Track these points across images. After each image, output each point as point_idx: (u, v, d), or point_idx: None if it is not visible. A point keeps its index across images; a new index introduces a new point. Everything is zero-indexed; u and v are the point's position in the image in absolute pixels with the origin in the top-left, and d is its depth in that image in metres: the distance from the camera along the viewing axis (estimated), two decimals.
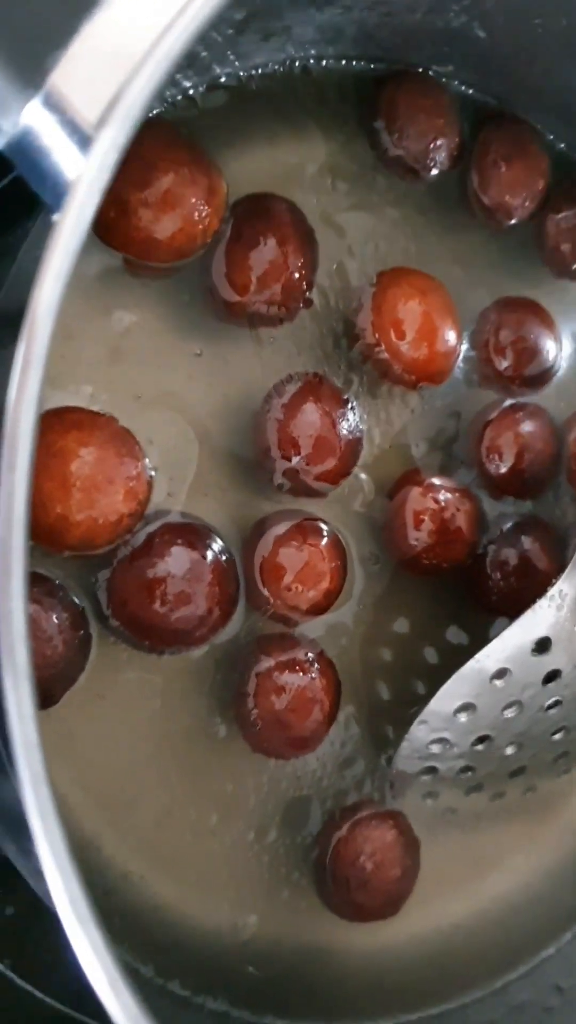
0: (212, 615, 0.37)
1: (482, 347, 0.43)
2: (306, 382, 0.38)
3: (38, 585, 0.35)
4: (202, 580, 0.36)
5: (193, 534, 0.37)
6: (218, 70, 0.37)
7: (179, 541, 0.36)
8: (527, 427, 0.42)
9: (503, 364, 0.42)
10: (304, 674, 0.38)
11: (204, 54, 0.36)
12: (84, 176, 0.21)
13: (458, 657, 0.39)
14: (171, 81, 0.36)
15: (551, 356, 0.43)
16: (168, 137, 0.35)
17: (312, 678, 0.38)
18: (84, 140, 0.22)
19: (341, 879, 0.39)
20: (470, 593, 0.42)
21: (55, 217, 0.22)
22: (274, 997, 0.40)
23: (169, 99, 0.37)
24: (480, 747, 0.40)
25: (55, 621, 0.35)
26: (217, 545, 0.37)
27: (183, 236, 0.35)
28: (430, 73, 0.42)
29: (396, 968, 0.42)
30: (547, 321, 0.43)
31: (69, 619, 0.35)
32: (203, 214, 0.35)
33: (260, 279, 0.37)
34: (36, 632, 0.34)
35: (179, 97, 0.37)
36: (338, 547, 0.39)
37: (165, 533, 0.36)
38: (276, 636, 0.39)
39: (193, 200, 0.35)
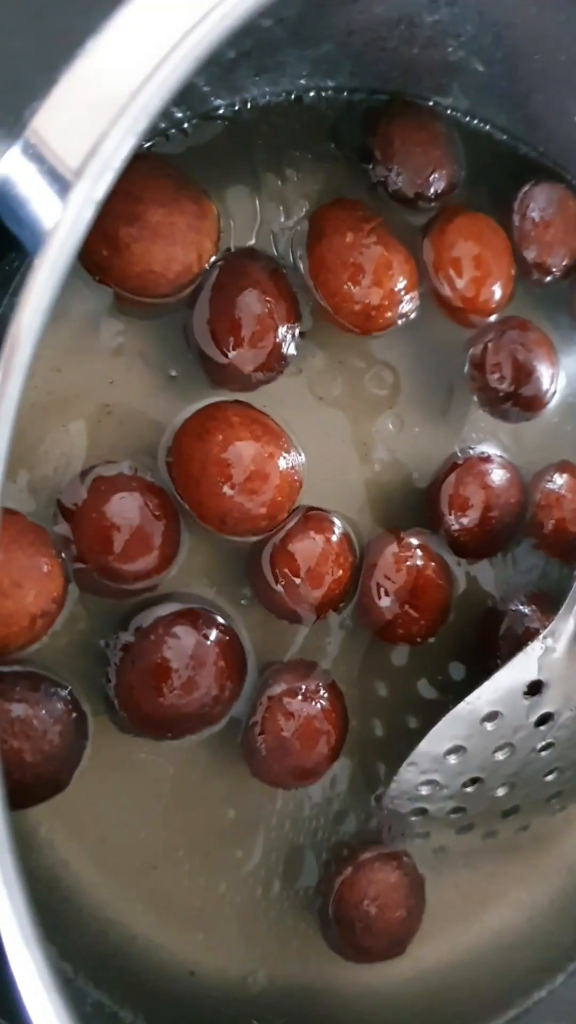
0: (224, 693, 0.36)
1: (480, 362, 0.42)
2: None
3: (20, 683, 0.34)
4: (207, 663, 0.36)
5: (190, 618, 0.36)
6: (212, 102, 0.37)
7: (176, 629, 0.36)
8: (495, 478, 0.41)
9: (500, 380, 0.41)
10: (314, 702, 0.38)
11: (199, 87, 0.35)
12: (58, 229, 0.20)
13: (454, 692, 0.38)
14: (164, 113, 0.35)
15: (547, 379, 0.42)
16: (152, 168, 0.35)
17: (322, 707, 0.38)
18: (64, 189, 0.22)
19: (347, 923, 0.39)
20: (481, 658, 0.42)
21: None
22: None
23: (161, 131, 0.37)
24: (471, 788, 0.40)
25: (45, 715, 0.34)
26: (218, 622, 0.37)
27: (179, 265, 0.35)
28: (430, 104, 0.42)
29: (387, 1010, 0.42)
30: (547, 345, 0.42)
31: (60, 708, 0.35)
32: (195, 240, 0.35)
33: (248, 341, 0.36)
34: (28, 731, 0.33)
35: (171, 130, 0.37)
36: (348, 540, 0.39)
37: (159, 626, 0.36)
38: (290, 664, 0.39)
39: (183, 227, 0.34)
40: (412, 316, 0.40)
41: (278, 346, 0.37)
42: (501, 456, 0.42)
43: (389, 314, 0.39)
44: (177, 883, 0.39)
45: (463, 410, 0.42)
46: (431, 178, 0.40)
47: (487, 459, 0.41)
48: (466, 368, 0.42)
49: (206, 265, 0.36)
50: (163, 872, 0.38)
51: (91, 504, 0.35)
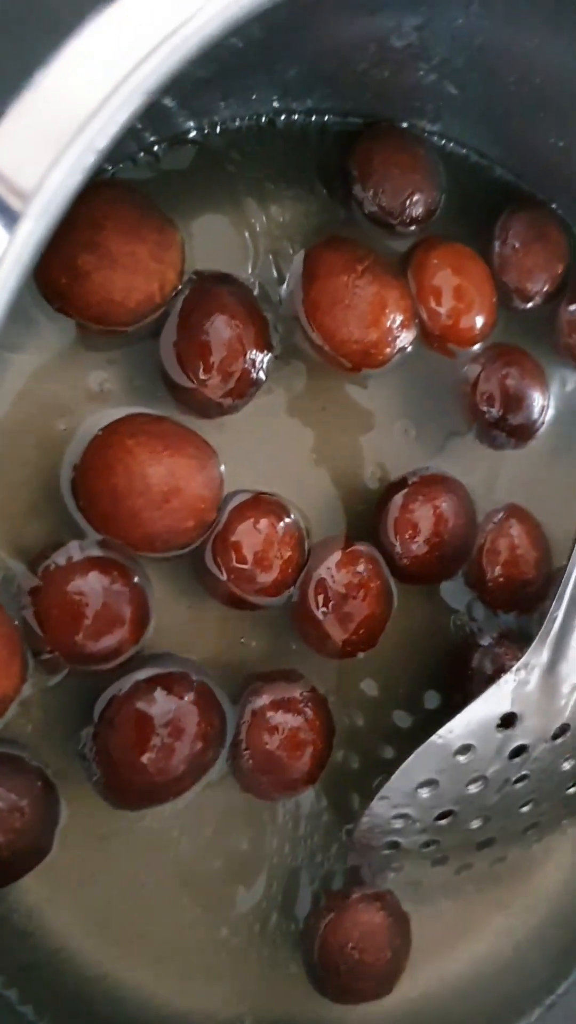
0: (209, 743, 0.36)
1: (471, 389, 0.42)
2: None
3: None
4: (184, 727, 0.35)
5: (169, 684, 0.36)
6: (181, 125, 0.36)
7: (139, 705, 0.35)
8: (443, 501, 0.40)
9: (489, 407, 0.41)
10: (296, 714, 0.37)
11: (166, 107, 0.34)
12: (4, 261, 0.20)
13: (430, 721, 0.38)
14: (131, 135, 0.35)
15: (537, 408, 0.42)
16: (116, 195, 0.34)
17: (305, 717, 0.37)
18: (13, 220, 0.22)
19: (331, 967, 0.39)
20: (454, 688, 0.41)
21: None
22: None
23: (128, 155, 0.36)
24: (444, 822, 0.39)
25: (5, 791, 0.33)
26: (181, 676, 0.36)
27: (139, 294, 0.34)
28: (404, 126, 0.41)
29: None
30: (538, 374, 0.42)
31: (21, 780, 0.34)
32: (158, 269, 0.34)
33: (217, 367, 0.36)
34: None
35: (140, 153, 0.36)
36: (295, 524, 0.38)
37: (120, 706, 0.35)
38: (269, 676, 0.38)
39: (146, 256, 0.34)
40: (408, 350, 0.40)
41: (247, 371, 0.36)
42: (447, 475, 0.41)
43: (388, 350, 0.39)
44: (178, 935, 0.38)
45: (453, 440, 0.42)
46: (409, 201, 0.40)
47: (435, 479, 0.40)
48: (457, 395, 0.42)
49: (170, 294, 0.35)
50: (164, 927, 0.38)
51: (50, 597, 0.34)
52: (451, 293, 0.40)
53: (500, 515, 0.42)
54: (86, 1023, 0.37)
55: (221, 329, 0.35)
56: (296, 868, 0.40)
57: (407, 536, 0.39)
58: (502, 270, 0.42)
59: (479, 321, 0.40)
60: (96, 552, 0.35)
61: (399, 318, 0.38)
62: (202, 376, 0.36)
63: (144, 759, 0.34)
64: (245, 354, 0.36)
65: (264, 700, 0.37)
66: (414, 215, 0.40)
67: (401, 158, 0.40)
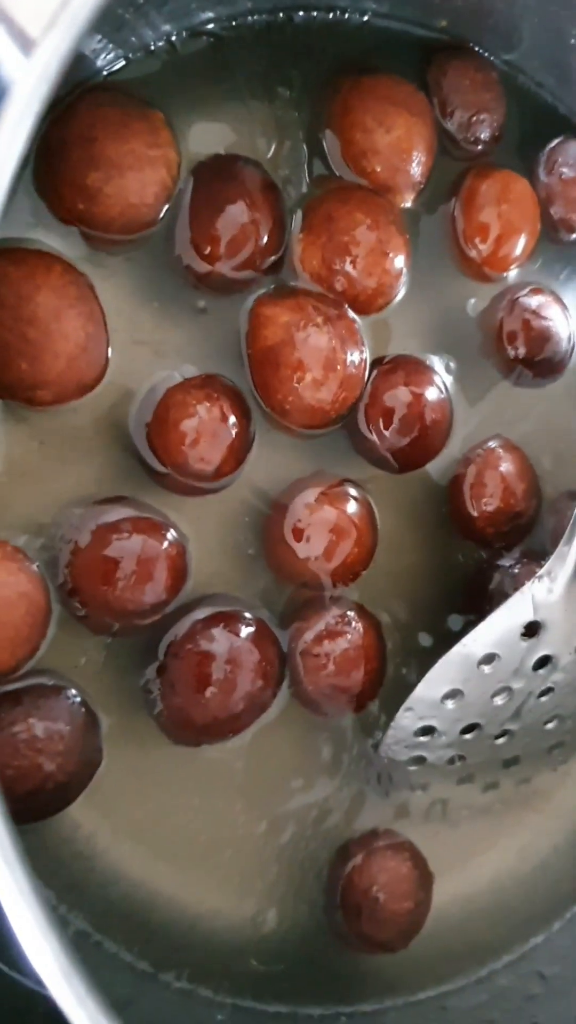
0: (268, 679, 0.37)
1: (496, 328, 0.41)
2: None
3: (4, 707, 0.34)
4: (243, 662, 0.36)
5: (227, 621, 0.36)
6: (200, 15, 0.36)
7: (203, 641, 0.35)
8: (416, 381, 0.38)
9: (514, 348, 0.40)
10: (342, 638, 0.37)
11: None
12: (27, 74, 0.19)
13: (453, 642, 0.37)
14: (149, 23, 0.34)
15: (562, 345, 0.41)
16: (92, 102, 0.34)
17: (350, 639, 0.38)
18: (28, 46, 0.21)
19: (353, 909, 0.38)
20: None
21: None
22: (265, 983, 0.39)
23: (150, 45, 0.35)
24: (469, 736, 0.39)
25: (44, 721, 0.34)
26: (250, 619, 0.37)
27: (154, 186, 0.34)
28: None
29: (386, 956, 0.41)
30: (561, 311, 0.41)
31: (55, 706, 0.34)
32: (158, 155, 0.34)
33: (228, 244, 0.35)
34: (35, 744, 0.33)
35: (160, 42, 0.36)
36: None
37: (185, 642, 0.36)
38: (303, 613, 0.38)
39: (143, 148, 0.34)
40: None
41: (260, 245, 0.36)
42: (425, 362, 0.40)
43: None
44: (219, 833, 0.39)
45: (475, 374, 0.41)
46: (476, 118, 0.40)
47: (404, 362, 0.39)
48: (479, 338, 0.41)
49: (177, 174, 0.35)
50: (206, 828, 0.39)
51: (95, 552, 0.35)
52: (497, 224, 0.40)
53: (489, 445, 0.40)
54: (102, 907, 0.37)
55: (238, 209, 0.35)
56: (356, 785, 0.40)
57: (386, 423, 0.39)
58: (548, 200, 0.41)
59: (519, 247, 0.40)
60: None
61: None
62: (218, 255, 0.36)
63: (207, 694, 0.35)
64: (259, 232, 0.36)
65: (309, 635, 0.37)
66: (479, 135, 0.40)
67: (476, 76, 0.40)
